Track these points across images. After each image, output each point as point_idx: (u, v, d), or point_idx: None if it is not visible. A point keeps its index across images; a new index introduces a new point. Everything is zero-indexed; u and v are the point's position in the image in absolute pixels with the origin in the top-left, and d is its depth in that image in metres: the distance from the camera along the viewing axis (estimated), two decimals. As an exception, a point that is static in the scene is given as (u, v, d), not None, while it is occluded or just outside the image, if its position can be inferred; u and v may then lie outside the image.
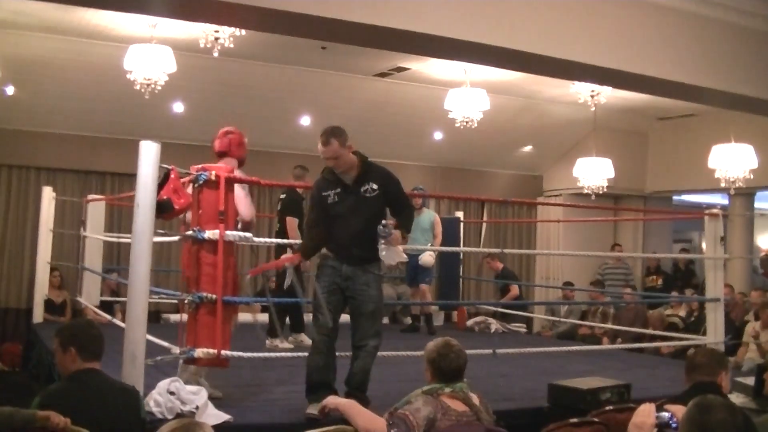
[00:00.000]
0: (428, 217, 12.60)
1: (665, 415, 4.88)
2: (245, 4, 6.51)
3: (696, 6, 8.46)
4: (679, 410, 4.88)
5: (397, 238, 6.41)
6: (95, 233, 11.76)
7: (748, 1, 8.70)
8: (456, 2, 7.23)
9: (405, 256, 6.44)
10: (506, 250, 14.85)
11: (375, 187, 6.66)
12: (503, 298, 14.69)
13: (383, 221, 6.42)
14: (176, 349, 6.94)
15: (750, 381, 7.48)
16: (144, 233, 6.35)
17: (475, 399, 5.13)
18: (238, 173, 7.69)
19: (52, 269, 12.94)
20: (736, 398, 7.22)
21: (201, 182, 7.04)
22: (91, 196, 12.34)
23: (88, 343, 5.09)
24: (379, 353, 6.82)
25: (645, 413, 3.93)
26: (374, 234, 6.41)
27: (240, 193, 7.60)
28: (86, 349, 5.07)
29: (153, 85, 10.81)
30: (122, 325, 7.16)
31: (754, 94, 9.05)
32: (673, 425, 4.42)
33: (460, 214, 15.60)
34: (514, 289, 14.87)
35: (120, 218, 14.35)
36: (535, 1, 7.66)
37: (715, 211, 10.45)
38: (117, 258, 14.16)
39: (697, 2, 8.46)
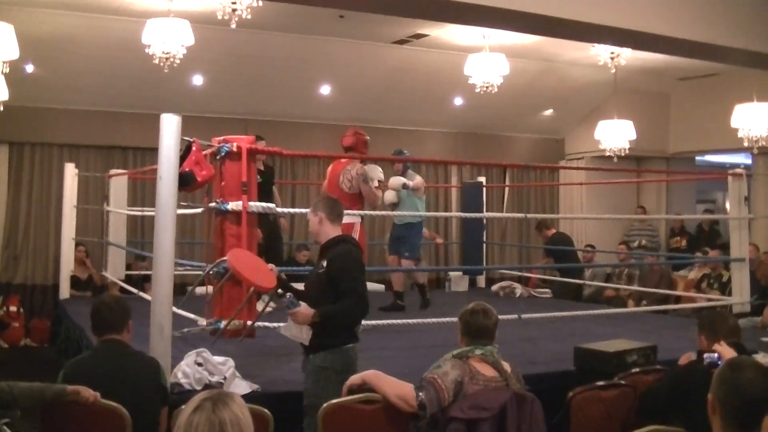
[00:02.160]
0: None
1: (714, 355, 4.92)
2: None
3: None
4: (726, 351, 4.91)
5: (302, 317, 5.60)
6: (118, 208, 11.82)
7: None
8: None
9: (306, 339, 5.79)
10: (529, 215, 14.82)
11: (324, 264, 5.82)
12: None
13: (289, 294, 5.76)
14: (203, 321, 6.98)
15: (778, 341, 7.47)
16: (167, 206, 6.37)
17: (506, 366, 5.15)
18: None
19: (77, 244, 13.04)
20: (763, 358, 7.21)
21: (223, 154, 7.07)
22: (113, 171, 12.42)
23: (98, 321, 5.25)
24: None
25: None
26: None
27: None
28: (97, 326, 5.23)
29: (172, 59, 10.80)
30: (148, 297, 7.26)
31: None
32: (720, 364, 4.46)
33: (482, 180, 15.59)
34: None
35: (144, 192, 14.42)
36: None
37: (738, 171, 10.41)
38: (141, 231, 14.25)
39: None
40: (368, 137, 10.09)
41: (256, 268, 5.96)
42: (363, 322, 6.23)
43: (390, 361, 7.39)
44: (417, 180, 11.40)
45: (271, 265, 6.07)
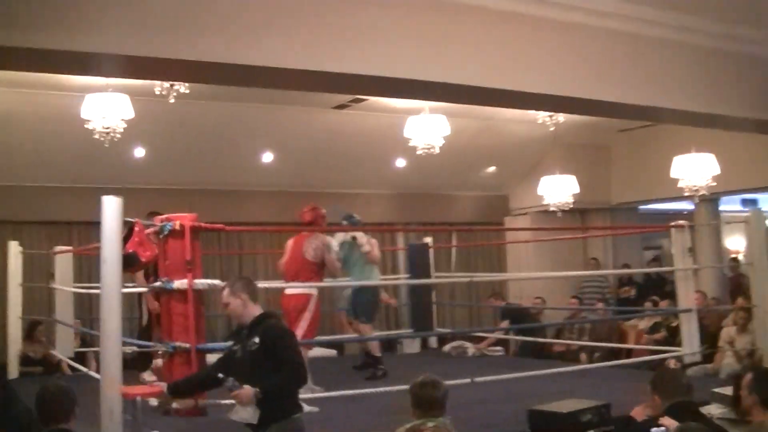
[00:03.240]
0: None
1: (660, 429, 4.94)
2: (189, 60, 6.42)
3: (645, 28, 8.53)
4: (671, 423, 4.93)
5: (245, 396, 5.56)
6: (64, 284, 11.69)
7: (695, 20, 8.77)
8: (405, 44, 7.25)
9: (255, 418, 5.75)
10: (476, 276, 14.87)
11: (257, 341, 5.76)
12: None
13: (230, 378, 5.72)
14: (154, 401, 6.91)
15: (728, 390, 7.47)
16: (112, 288, 6.33)
17: (460, 437, 5.16)
18: None
19: (38, 323, 12.87)
20: (715, 409, 7.26)
21: (166, 233, 7.04)
22: (58, 248, 12.27)
23: (43, 412, 5.17)
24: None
25: None
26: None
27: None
28: (43, 416, 5.16)
29: (112, 133, 10.77)
30: (97, 376, 7.17)
31: (707, 110, 9.17)
32: None
33: (428, 240, 15.61)
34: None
35: (90, 267, 14.27)
36: (484, 36, 7.69)
37: (681, 222, 10.51)
38: (89, 307, 14.08)
39: (646, 24, 8.52)
40: (324, 210, 10.21)
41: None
42: (314, 392, 6.24)
43: (343, 430, 7.36)
44: (371, 251, 11.22)
45: None
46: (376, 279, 11.34)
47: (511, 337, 14.57)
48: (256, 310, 5.88)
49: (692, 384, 5.80)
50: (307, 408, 6.27)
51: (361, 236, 11.06)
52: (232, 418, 5.75)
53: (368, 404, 8.83)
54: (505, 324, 14.91)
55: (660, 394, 5.60)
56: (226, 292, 5.92)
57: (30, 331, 12.81)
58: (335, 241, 10.78)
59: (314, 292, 9.62)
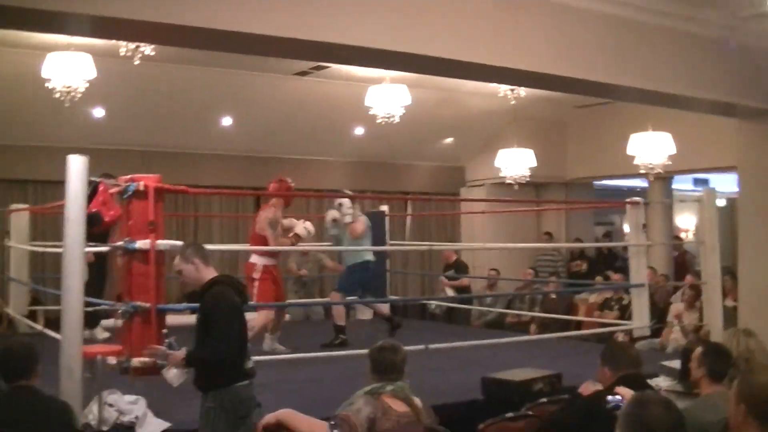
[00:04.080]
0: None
1: (617, 398, 5.07)
2: (160, 22, 6.41)
3: (606, 6, 8.63)
4: (627, 393, 5.07)
5: (172, 359, 5.66)
6: (20, 243, 11.67)
7: (658, 0, 8.91)
8: (370, 11, 7.28)
9: (176, 382, 5.66)
10: (435, 246, 14.99)
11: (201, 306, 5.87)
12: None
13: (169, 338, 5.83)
14: (113, 359, 6.96)
15: (675, 364, 7.62)
16: (75, 246, 6.35)
17: (417, 401, 5.26)
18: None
19: (-12, 279, 12.86)
20: (663, 381, 7.41)
21: (130, 193, 7.09)
22: (13, 206, 12.22)
23: (6, 368, 5.19)
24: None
25: None
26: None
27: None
28: (6, 373, 5.18)
29: (73, 93, 10.75)
30: (52, 334, 7.21)
31: (666, 89, 9.28)
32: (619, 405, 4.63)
33: (385, 208, 15.69)
34: (464, 282, 15.26)
35: (44, 226, 14.24)
36: (448, 7, 7.75)
37: (636, 199, 10.68)
38: (42, 266, 14.05)
39: (607, 3, 8.64)
40: (293, 184, 10.41)
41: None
42: (271, 355, 6.30)
43: (298, 395, 7.44)
44: (352, 222, 11.13)
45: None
46: (363, 256, 11.20)
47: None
48: (209, 275, 5.87)
49: (642, 357, 5.94)
50: None
51: (347, 207, 11.05)
52: (164, 375, 5.80)
53: (324, 369, 8.96)
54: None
55: (609, 366, 5.72)
56: (178, 259, 5.93)
57: (-20, 289, 12.77)
58: (328, 217, 11.17)
59: (261, 261, 10.04)
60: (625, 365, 5.66)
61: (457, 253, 15.83)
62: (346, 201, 11.09)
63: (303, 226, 10.44)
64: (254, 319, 9.88)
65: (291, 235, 10.37)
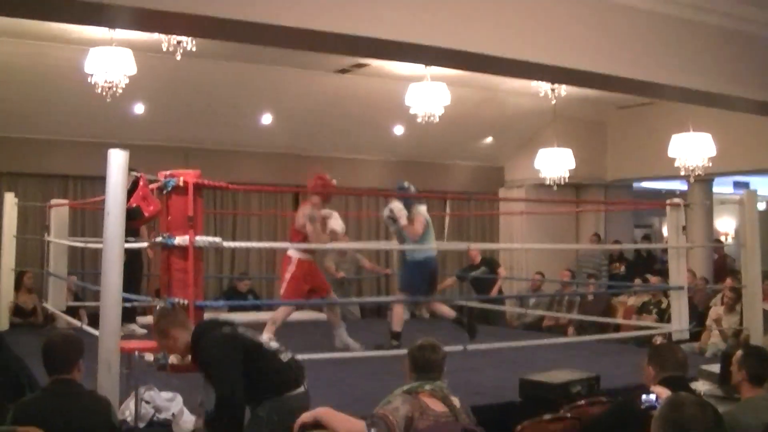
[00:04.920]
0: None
1: (651, 397, 5.00)
2: (201, 15, 6.38)
3: (648, 2, 8.54)
4: (663, 392, 5.00)
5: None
6: (60, 238, 11.71)
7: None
8: (410, 6, 7.24)
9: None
10: (472, 245, 14.93)
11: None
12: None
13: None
14: (150, 356, 6.98)
15: (715, 368, 7.57)
16: (115, 241, 6.35)
17: (455, 401, 5.21)
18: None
19: (25, 271, 12.91)
20: (702, 386, 7.33)
21: (169, 188, 7.09)
22: (54, 201, 12.27)
23: (48, 361, 5.20)
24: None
25: None
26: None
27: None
28: (48, 366, 5.19)
29: (114, 88, 10.78)
30: (92, 331, 7.22)
31: (708, 88, 9.16)
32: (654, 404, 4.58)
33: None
34: (499, 281, 15.23)
35: (83, 221, 14.32)
36: (489, 2, 7.70)
37: (676, 201, 10.57)
38: (81, 262, 14.13)
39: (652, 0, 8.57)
40: (333, 181, 10.50)
41: None
42: (308, 356, 6.29)
43: (337, 393, 7.44)
44: (409, 224, 10.82)
45: None
46: (425, 252, 10.89)
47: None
48: (187, 334, 5.72)
49: (687, 360, 5.87)
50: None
51: (398, 210, 10.79)
52: None
53: (362, 368, 8.95)
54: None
55: (654, 366, 5.65)
56: (156, 336, 5.84)
57: (18, 281, 12.83)
58: (385, 214, 11.04)
59: (297, 255, 10.23)
60: (671, 367, 5.58)
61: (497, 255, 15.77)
62: (395, 206, 10.86)
63: (336, 220, 10.52)
64: (275, 313, 10.40)
65: (328, 232, 10.41)
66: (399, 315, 10.78)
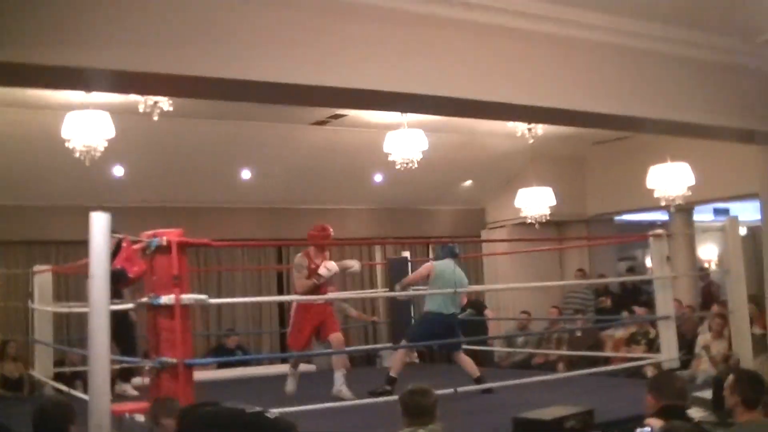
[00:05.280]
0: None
1: (646, 429, 5.01)
2: (177, 74, 6.45)
3: (623, 38, 8.61)
4: (657, 423, 5.01)
5: None
6: (44, 304, 11.66)
7: (679, 30, 8.87)
8: (382, 55, 7.30)
9: None
10: (460, 289, 14.89)
11: None
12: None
13: None
14: (140, 417, 6.94)
15: (707, 394, 7.59)
16: (101, 304, 6.35)
17: (449, 445, 5.23)
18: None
19: (8, 341, 12.82)
20: (696, 413, 7.33)
21: (153, 248, 7.09)
22: (37, 267, 12.24)
23: (42, 428, 5.17)
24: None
25: None
26: None
27: None
28: (41, 430, 5.17)
29: (93, 152, 10.76)
30: (80, 395, 7.18)
31: (688, 119, 9.24)
32: None
33: (407, 254, 15.69)
34: (491, 323, 15.44)
35: (67, 286, 14.26)
36: (465, 49, 7.74)
37: (659, 232, 10.61)
38: (67, 328, 14.04)
39: (624, 35, 8.60)
40: (330, 231, 10.79)
41: None
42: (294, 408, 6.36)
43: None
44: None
45: None
46: (430, 306, 10.87)
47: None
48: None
49: (686, 388, 5.87)
50: None
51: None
52: None
53: (356, 416, 8.91)
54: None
55: (653, 395, 5.68)
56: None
57: (2, 350, 12.74)
58: None
59: (295, 302, 10.86)
60: (669, 395, 5.60)
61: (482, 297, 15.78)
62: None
63: (323, 265, 10.52)
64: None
65: (309, 276, 10.53)
66: (398, 361, 10.71)
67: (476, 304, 15.55)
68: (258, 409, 5.77)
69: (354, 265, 11.24)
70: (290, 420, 5.86)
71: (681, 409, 5.51)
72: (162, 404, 6.04)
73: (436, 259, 11.14)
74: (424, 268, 11.01)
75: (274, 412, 5.83)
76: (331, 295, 11.55)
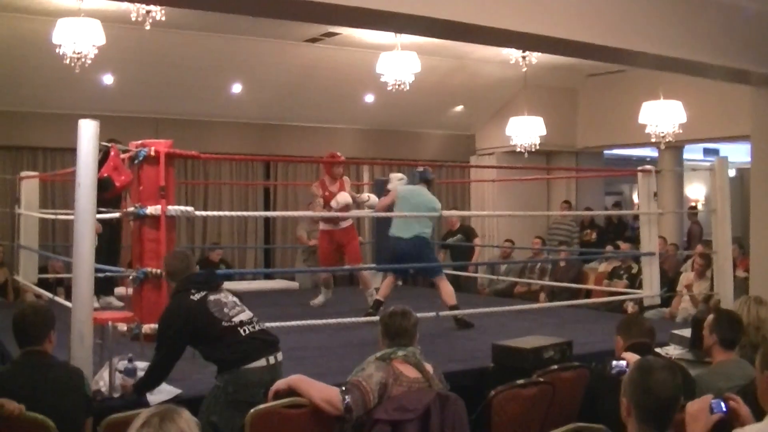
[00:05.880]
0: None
1: (621, 363, 5.07)
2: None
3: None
4: (632, 357, 5.07)
5: (126, 389, 6.05)
6: (30, 211, 11.65)
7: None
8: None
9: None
10: (445, 212, 14.86)
11: None
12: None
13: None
14: (123, 326, 6.97)
15: (686, 333, 7.62)
16: (86, 212, 6.31)
17: (428, 367, 5.26)
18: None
19: (-4, 244, 12.85)
20: (673, 350, 7.41)
21: (141, 158, 7.08)
22: (24, 173, 12.20)
23: (18, 333, 5.20)
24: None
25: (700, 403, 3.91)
26: None
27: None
28: (18, 338, 5.19)
29: (83, 59, 10.70)
30: (64, 302, 7.20)
31: (683, 55, 9.20)
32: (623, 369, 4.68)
33: (405, 180, 15.65)
34: (477, 249, 15.38)
35: (54, 194, 14.25)
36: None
37: (647, 167, 10.62)
38: (53, 235, 14.06)
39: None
40: (339, 158, 11.26)
41: None
42: (280, 323, 6.43)
43: (310, 361, 7.45)
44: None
45: None
46: (392, 231, 10.65)
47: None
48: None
49: (654, 329, 5.93)
50: None
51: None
52: None
53: (336, 336, 8.99)
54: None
55: (622, 335, 5.74)
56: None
57: (-14, 254, 12.77)
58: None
59: (321, 227, 11.43)
60: (637, 334, 5.66)
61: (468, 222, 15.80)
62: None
63: (335, 198, 10.78)
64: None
65: (325, 204, 10.84)
66: (386, 286, 10.62)
67: (467, 230, 15.57)
68: (236, 320, 5.86)
69: (369, 198, 11.36)
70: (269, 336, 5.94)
71: (648, 347, 5.58)
72: (175, 258, 6.29)
73: (409, 183, 10.93)
74: (389, 194, 10.77)
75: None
76: (311, 212, 11.65)
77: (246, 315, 5.91)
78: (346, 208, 10.75)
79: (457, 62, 15.39)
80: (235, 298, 5.99)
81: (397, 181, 10.97)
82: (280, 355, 5.85)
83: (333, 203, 10.66)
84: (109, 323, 6.52)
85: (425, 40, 12.32)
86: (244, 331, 5.78)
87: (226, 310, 5.83)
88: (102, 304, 9.79)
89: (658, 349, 6.31)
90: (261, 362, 5.71)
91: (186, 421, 3.00)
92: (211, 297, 5.84)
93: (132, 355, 6.03)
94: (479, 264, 15.42)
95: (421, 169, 10.91)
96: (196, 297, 5.82)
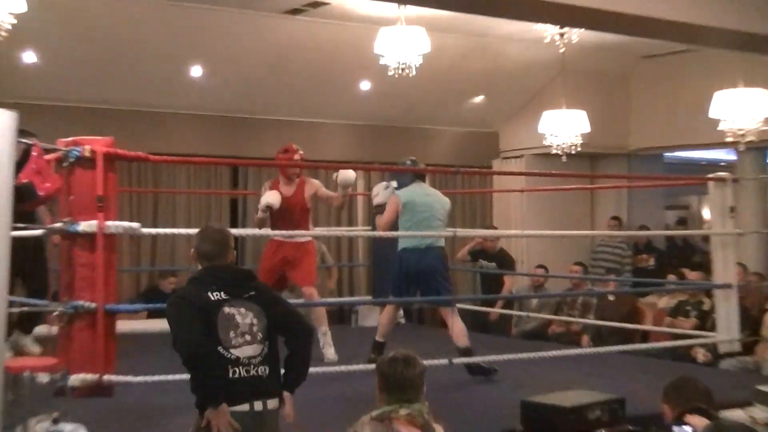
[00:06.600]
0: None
1: (687, 429, 5.02)
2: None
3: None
4: (700, 422, 5.01)
5: None
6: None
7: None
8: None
9: None
10: (460, 232, 14.81)
11: None
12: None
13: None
14: (45, 377, 6.89)
15: (775, 389, 7.58)
16: (0, 227, 6.24)
17: (439, 429, 5.18)
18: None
19: None
20: (761, 412, 7.34)
21: (72, 160, 7.01)
22: None
23: None
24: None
25: None
26: None
27: None
28: None
29: (-4, 30, 10.63)
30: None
31: (760, 30, 9.16)
32: None
33: (394, 184, 15.60)
34: (509, 281, 15.28)
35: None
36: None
37: (722, 175, 10.55)
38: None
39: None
40: (295, 153, 11.01)
41: None
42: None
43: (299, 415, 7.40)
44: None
45: None
46: (401, 244, 10.72)
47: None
48: None
49: (710, 391, 5.86)
50: None
51: (375, 193, 11.28)
52: None
53: (327, 386, 8.90)
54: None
55: (670, 403, 5.70)
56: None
57: None
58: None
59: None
60: (687, 400, 5.62)
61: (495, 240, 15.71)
62: (376, 189, 11.29)
63: (270, 194, 10.66)
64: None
65: (263, 206, 10.70)
66: (383, 322, 10.63)
67: (505, 259, 15.39)
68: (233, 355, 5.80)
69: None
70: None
71: (707, 413, 5.52)
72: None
73: (399, 187, 10.86)
74: (390, 205, 10.65)
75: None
76: (283, 232, 11.41)
77: (252, 350, 5.78)
78: (346, 187, 10.73)
79: (476, 41, 15.38)
80: (252, 320, 5.86)
81: (384, 190, 10.85)
82: (271, 403, 5.75)
83: (271, 201, 10.60)
84: (26, 373, 6.45)
85: (436, 12, 12.29)
86: (234, 372, 5.70)
87: (232, 334, 5.73)
88: (12, 346, 9.72)
89: (739, 411, 6.25)
90: (244, 407, 5.65)
91: None
92: (227, 308, 5.76)
93: (57, 414, 5.94)
94: (505, 298, 15.27)
95: (408, 162, 10.97)
96: (214, 297, 5.76)
